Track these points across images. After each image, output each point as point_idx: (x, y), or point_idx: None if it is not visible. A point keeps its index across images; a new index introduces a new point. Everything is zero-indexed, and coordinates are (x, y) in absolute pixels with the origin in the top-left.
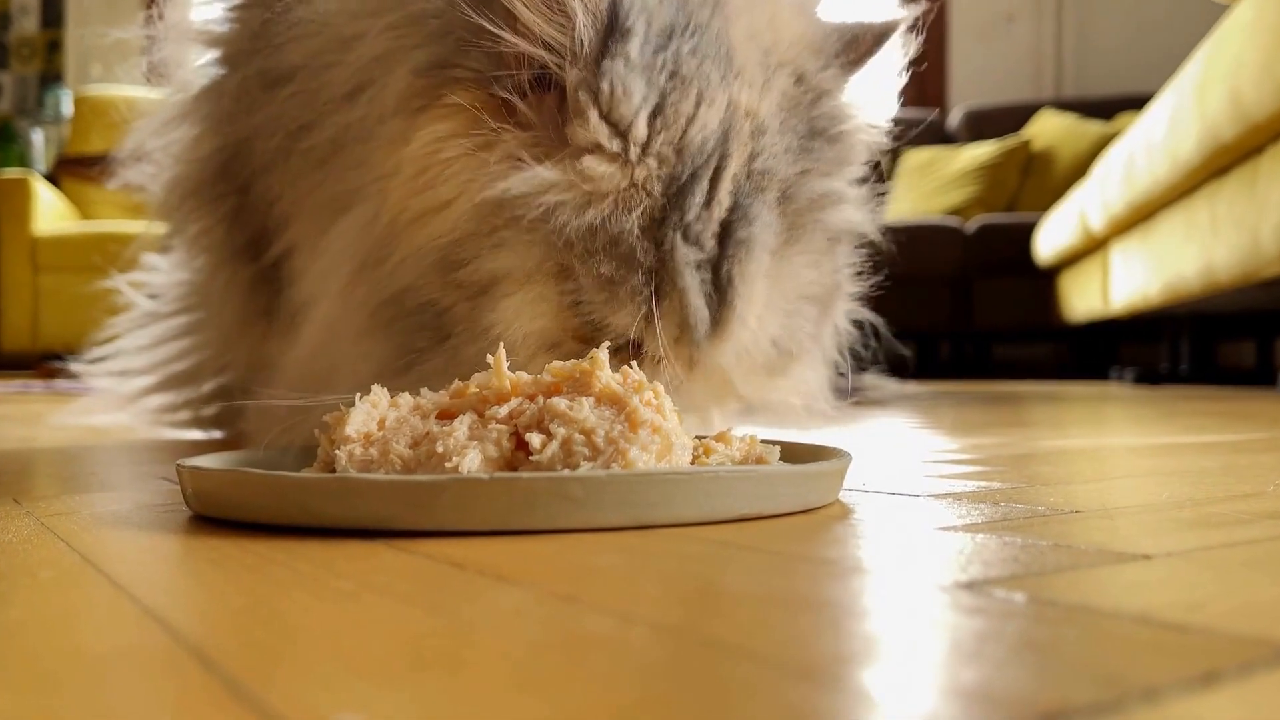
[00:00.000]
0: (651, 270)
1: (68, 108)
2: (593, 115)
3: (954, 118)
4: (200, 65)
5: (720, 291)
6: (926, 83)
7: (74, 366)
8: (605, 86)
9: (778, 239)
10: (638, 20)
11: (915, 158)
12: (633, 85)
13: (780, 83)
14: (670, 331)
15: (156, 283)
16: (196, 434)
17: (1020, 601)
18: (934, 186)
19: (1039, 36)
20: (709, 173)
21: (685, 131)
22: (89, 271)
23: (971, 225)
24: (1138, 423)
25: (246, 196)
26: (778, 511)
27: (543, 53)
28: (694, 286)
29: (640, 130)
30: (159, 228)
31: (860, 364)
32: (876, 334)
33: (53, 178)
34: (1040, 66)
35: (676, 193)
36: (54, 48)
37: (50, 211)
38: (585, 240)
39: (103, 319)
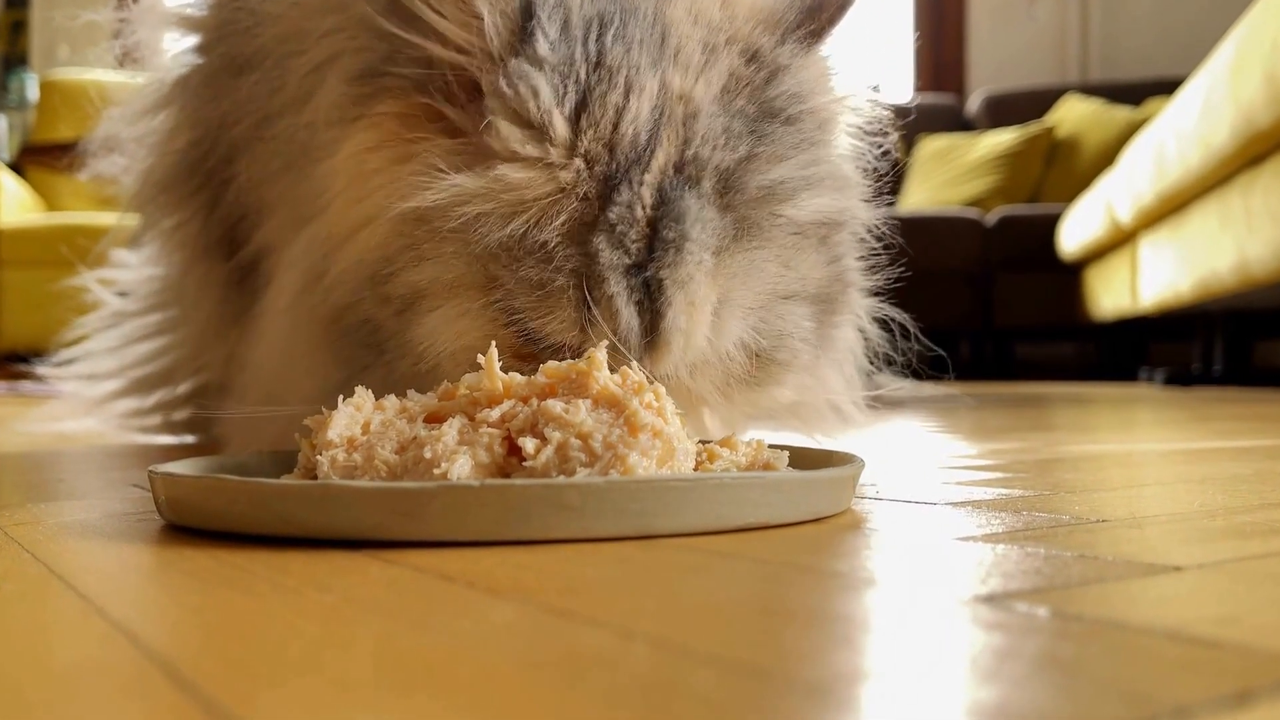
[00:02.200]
0: (578, 274)
1: (33, 93)
2: (503, 122)
3: (973, 103)
4: (177, 52)
5: (651, 299)
6: (943, 66)
7: (40, 369)
8: (510, 89)
9: (719, 235)
10: (550, 15)
11: (931, 145)
12: (540, 84)
13: (726, 62)
14: (605, 343)
15: (126, 280)
16: (169, 439)
17: (1043, 616)
18: (952, 176)
19: (1063, 16)
20: (640, 167)
21: (616, 125)
22: (56, 266)
23: (992, 217)
24: (1168, 426)
25: (222, 190)
26: (786, 520)
27: (458, 56)
28: (621, 294)
29: (560, 130)
30: (130, 221)
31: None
32: (906, 333)
33: (17, 167)
34: (1065, 48)
35: (608, 193)
36: (18, 29)
37: (14, 203)
38: (509, 249)
39: (70, 318)
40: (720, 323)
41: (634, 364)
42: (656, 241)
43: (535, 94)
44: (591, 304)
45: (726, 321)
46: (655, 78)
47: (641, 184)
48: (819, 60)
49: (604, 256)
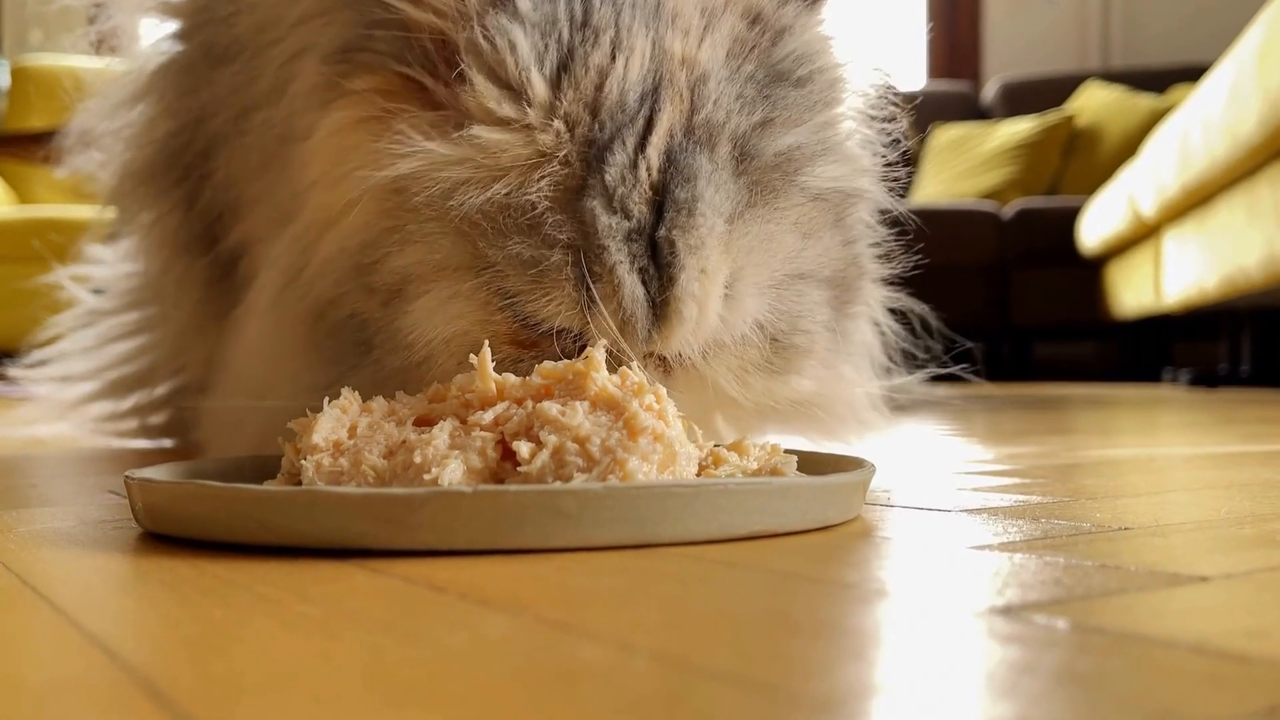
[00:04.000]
0: (573, 247)
1: (4, 79)
2: (479, 78)
3: (989, 90)
4: (155, 39)
5: (660, 264)
6: (958, 51)
7: (11, 370)
8: (488, 44)
9: (733, 200)
10: None
11: (946, 135)
12: (519, 39)
13: (728, 25)
14: (611, 319)
15: (102, 276)
16: (146, 443)
17: (1062, 629)
18: (967, 167)
19: (1084, 0)
20: (635, 130)
21: (600, 87)
22: (28, 262)
23: (1009, 210)
24: (1193, 429)
25: (202, 184)
26: (793, 528)
27: (435, 20)
28: (624, 261)
29: (539, 90)
30: (107, 215)
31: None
32: (926, 327)
33: None
34: (1085, 33)
35: (596, 156)
36: None
37: None
38: (494, 221)
39: (43, 316)
40: (735, 301)
41: (636, 361)
42: (667, 202)
43: (513, 49)
44: (594, 279)
45: (742, 299)
46: (647, 39)
47: (645, 146)
48: (822, 21)
49: (601, 221)
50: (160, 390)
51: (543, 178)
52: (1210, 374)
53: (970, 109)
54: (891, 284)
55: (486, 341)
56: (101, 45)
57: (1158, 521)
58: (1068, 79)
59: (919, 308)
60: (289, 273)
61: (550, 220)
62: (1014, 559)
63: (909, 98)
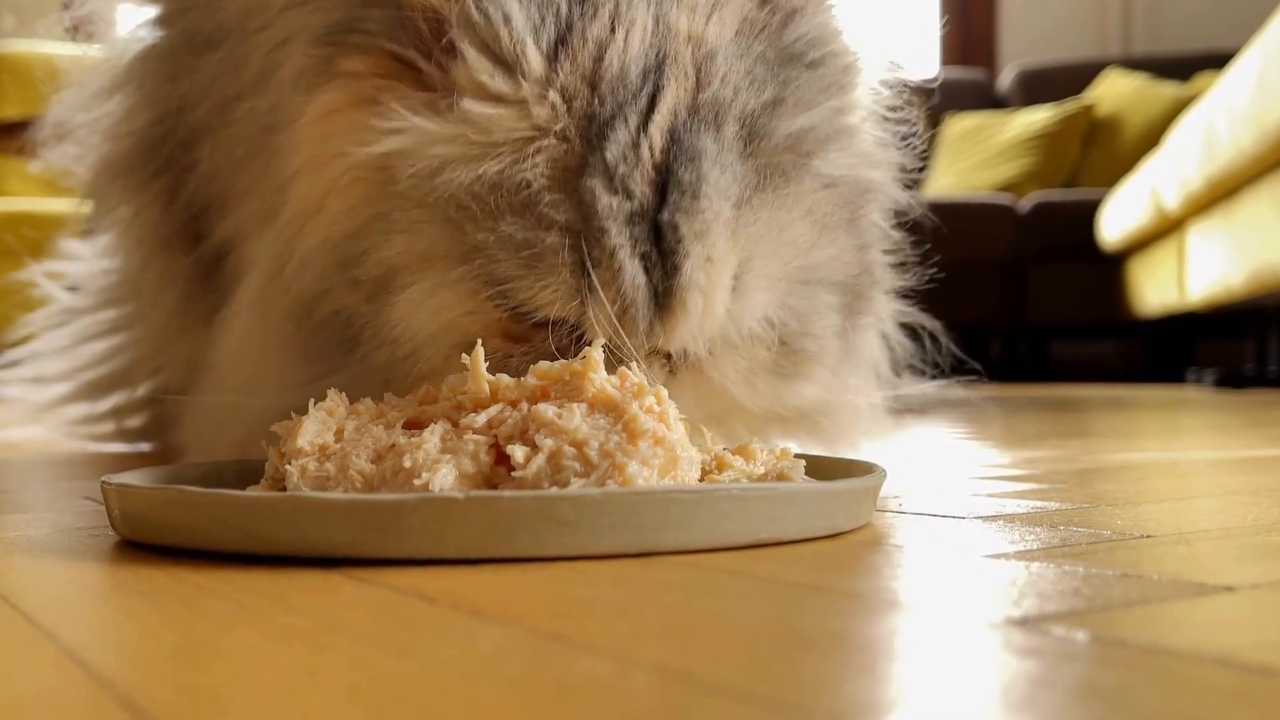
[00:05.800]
0: (570, 229)
1: None
2: (471, 52)
3: (1005, 78)
4: (134, 25)
5: (663, 251)
6: (973, 37)
7: None
8: (481, 18)
9: (740, 184)
10: None
11: (960, 124)
12: (514, 12)
13: (737, 4)
14: (610, 308)
15: (78, 273)
16: (123, 447)
17: (1082, 641)
18: (982, 158)
19: None
20: (638, 107)
21: (599, 59)
22: (1, 257)
23: (1025, 203)
24: (1219, 433)
25: (183, 177)
26: (800, 536)
27: None
28: (625, 245)
29: (534, 62)
30: (83, 209)
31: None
32: (936, 342)
33: None
34: (1105, 18)
35: (597, 133)
36: None
37: None
38: (484, 203)
39: (16, 315)
40: (743, 293)
41: (636, 355)
42: (670, 184)
43: (507, 22)
44: (593, 263)
45: (750, 292)
46: (648, 13)
47: (648, 124)
48: (833, 5)
49: (601, 202)
50: (138, 391)
51: (538, 153)
52: (1236, 374)
53: (985, 97)
54: (904, 296)
55: (480, 341)
56: (78, 31)
57: (1181, 529)
58: (1087, 66)
59: (930, 323)
60: (273, 268)
61: (546, 199)
62: (1031, 568)
63: (921, 87)
